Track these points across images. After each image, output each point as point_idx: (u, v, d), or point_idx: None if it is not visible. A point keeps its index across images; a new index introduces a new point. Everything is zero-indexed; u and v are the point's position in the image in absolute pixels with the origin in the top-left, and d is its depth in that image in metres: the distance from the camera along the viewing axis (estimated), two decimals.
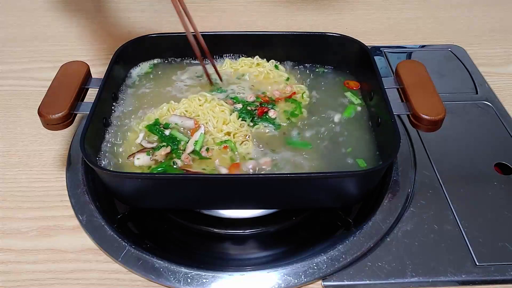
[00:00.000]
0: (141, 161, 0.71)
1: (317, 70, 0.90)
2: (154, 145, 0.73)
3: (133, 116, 0.79)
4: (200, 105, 0.79)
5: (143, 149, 0.73)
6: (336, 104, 0.83)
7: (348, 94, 0.84)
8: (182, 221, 0.74)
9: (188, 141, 0.74)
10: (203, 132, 0.75)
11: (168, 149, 0.73)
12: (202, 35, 0.81)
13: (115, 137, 0.76)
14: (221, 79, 0.86)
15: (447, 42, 1.09)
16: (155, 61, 0.90)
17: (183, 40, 0.80)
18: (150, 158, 0.72)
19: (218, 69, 0.86)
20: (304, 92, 0.84)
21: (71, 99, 0.71)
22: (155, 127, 0.76)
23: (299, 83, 0.87)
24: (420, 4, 1.24)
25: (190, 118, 0.77)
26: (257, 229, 0.73)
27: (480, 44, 1.09)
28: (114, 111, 0.80)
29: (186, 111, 0.78)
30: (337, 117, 0.80)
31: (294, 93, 0.83)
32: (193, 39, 0.79)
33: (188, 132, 0.76)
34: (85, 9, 1.20)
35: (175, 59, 0.91)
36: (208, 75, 0.85)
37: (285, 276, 0.65)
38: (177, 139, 0.74)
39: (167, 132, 0.75)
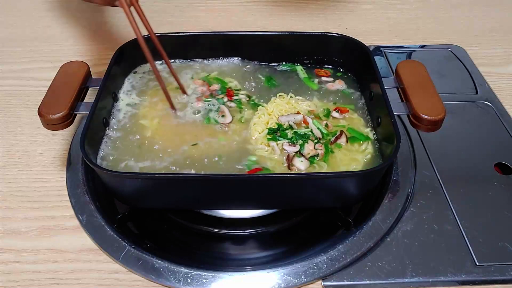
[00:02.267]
0: (304, 164, 0.72)
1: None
2: (297, 147, 0.74)
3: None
4: (287, 103, 0.81)
5: (293, 156, 0.73)
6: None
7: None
8: (182, 221, 0.74)
9: (312, 130, 0.76)
10: (311, 121, 0.77)
11: (311, 143, 0.74)
12: (202, 35, 0.81)
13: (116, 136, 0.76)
14: (185, 92, 0.83)
15: (447, 42, 1.09)
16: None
17: (183, 40, 0.80)
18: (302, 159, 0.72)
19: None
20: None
21: (71, 99, 0.71)
22: (279, 130, 0.76)
23: None
24: (420, 4, 1.24)
25: (297, 113, 0.78)
26: (257, 229, 0.73)
27: (480, 44, 1.09)
28: (114, 111, 0.80)
29: (280, 109, 0.80)
30: None
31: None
32: (144, 42, 0.75)
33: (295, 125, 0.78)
34: (85, 9, 1.20)
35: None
36: (169, 98, 0.80)
37: (285, 276, 0.65)
38: (305, 133, 0.75)
39: (289, 132, 0.76)
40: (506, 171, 0.80)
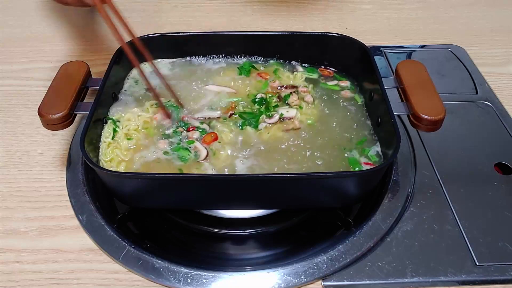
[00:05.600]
0: (290, 112, 0.80)
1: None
2: (276, 117, 0.80)
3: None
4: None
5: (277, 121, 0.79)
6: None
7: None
8: (182, 221, 0.74)
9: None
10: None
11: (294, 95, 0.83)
12: (202, 35, 0.81)
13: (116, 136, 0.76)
14: (181, 105, 0.81)
15: (447, 42, 1.09)
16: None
17: (183, 40, 0.80)
18: None
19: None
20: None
21: (71, 99, 0.71)
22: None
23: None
24: (420, 4, 1.24)
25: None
26: (257, 229, 0.73)
27: (480, 44, 1.09)
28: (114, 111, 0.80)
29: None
30: None
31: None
32: (128, 47, 0.74)
33: None
34: (85, 9, 1.20)
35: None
36: (163, 107, 0.78)
37: (285, 276, 0.65)
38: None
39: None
40: (506, 171, 0.80)
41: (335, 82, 0.87)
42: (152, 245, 0.70)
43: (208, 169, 0.72)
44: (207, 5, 1.22)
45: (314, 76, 0.88)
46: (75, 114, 0.72)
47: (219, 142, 0.75)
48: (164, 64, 0.90)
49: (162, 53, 0.89)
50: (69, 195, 0.75)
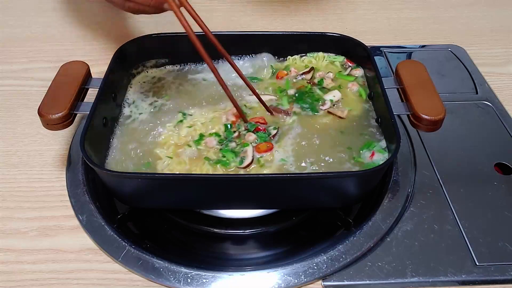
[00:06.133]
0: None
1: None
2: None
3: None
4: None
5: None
6: None
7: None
8: (182, 221, 0.74)
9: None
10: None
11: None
12: (202, 35, 0.80)
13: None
14: (270, 112, 0.79)
15: (447, 42, 1.09)
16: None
17: (184, 40, 0.79)
18: None
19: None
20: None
21: (71, 99, 0.71)
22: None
23: None
24: (420, 4, 1.24)
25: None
26: (257, 229, 0.73)
27: (480, 44, 1.09)
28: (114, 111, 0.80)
29: None
30: None
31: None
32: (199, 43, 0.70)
33: None
34: (85, 9, 1.20)
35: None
36: (239, 110, 0.75)
37: (285, 276, 0.65)
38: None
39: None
40: (506, 171, 0.80)
41: (349, 69, 0.87)
42: (152, 245, 0.70)
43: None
44: (207, 5, 1.22)
45: (339, 59, 0.89)
46: (75, 114, 0.72)
47: (272, 154, 0.73)
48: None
49: (162, 53, 0.89)
50: (69, 195, 0.75)
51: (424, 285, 0.66)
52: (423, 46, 1.09)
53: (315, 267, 0.66)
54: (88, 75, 0.77)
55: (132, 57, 0.87)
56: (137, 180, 0.66)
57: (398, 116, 0.81)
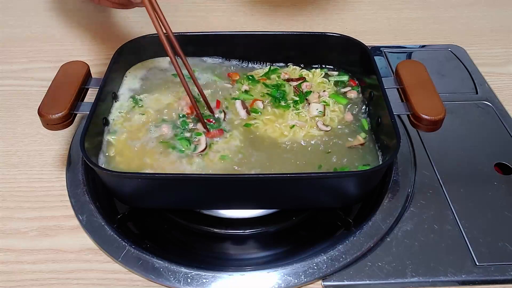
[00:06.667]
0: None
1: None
2: None
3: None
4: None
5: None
6: None
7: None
8: (182, 221, 0.74)
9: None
10: None
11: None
12: (203, 35, 0.80)
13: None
14: (212, 112, 0.80)
15: (447, 42, 1.09)
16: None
17: (183, 40, 0.79)
18: None
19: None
20: None
21: (71, 99, 0.71)
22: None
23: None
24: (420, 4, 1.24)
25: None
26: (257, 229, 0.73)
27: (480, 44, 1.09)
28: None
29: None
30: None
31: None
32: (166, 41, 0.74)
33: None
34: (85, 9, 1.20)
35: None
36: (202, 120, 0.77)
37: (285, 276, 0.65)
38: None
39: None
40: (506, 171, 0.80)
41: (348, 89, 0.86)
42: (152, 245, 0.70)
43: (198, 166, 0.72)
44: (207, 5, 1.22)
45: (344, 79, 0.87)
46: (75, 114, 0.72)
47: (226, 138, 0.76)
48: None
49: (162, 53, 0.89)
50: (69, 195, 0.75)
51: (424, 285, 0.66)
52: (423, 46, 1.09)
53: (315, 267, 0.66)
54: (88, 75, 0.77)
55: (132, 57, 0.86)
56: (137, 180, 0.66)
57: (398, 116, 0.81)
